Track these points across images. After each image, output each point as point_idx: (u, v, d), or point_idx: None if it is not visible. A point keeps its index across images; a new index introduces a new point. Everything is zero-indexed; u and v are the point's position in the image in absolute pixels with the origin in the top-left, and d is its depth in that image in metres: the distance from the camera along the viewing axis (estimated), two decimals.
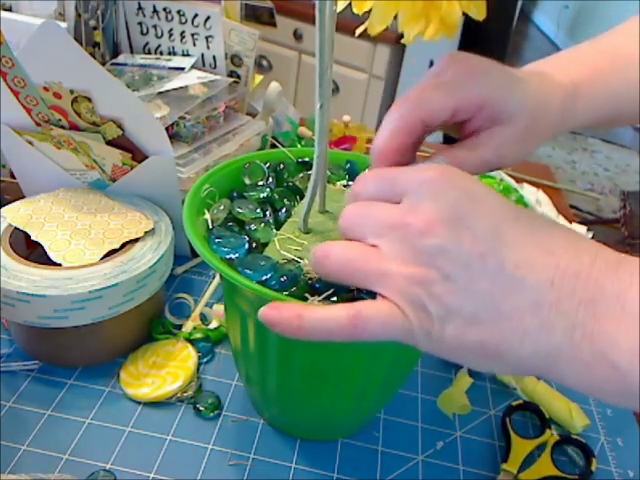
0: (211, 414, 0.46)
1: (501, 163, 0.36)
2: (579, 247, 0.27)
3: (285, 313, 0.29)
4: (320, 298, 0.32)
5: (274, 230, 0.38)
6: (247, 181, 0.44)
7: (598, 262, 0.26)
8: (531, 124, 0.36)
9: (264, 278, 0.33)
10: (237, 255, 0.36)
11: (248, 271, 0.33)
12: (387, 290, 0.28)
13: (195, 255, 0.62)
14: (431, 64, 2.13)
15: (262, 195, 0.42)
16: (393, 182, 0.30)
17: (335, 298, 0.32)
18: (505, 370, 0.29)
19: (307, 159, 0.46)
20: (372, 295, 0.31)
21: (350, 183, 0.45)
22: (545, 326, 0.26)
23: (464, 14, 0.32)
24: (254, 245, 0.37)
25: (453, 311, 0.27)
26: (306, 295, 0.33)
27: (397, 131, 0.33)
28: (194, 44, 0.69)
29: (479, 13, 0.31)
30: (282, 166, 0.45)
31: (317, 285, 0.33)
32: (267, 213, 0.40)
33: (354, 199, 0.31)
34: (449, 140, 0.41)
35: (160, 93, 0.62)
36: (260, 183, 0.43)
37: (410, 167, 0.30)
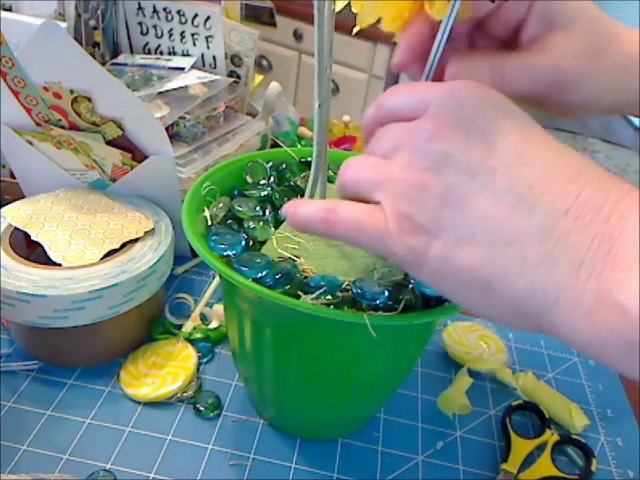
0: (211, 414, 0.46)
1: (559, 76, 0.32)
2: (609, 182, 0.23)
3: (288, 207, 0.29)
4: (313, 296, 0.32)
5: (272, 228, 0.39)
6: (249, 180, 0.44)
7: (628, 198, 0.22)
8: (594, 40, 0.32)
9: (259, 275, 0.33)
10: (234, 252, 0.36)
11: (244, 268, 0.33)
12: (382, 195, 0.26)
13: (195, 255, 0.62)
14: None
15: (263, 194, 0.42)
16: (420, 95, 0.27)
17: (329, 297, 0.32)
18: (491, 309, 0.25)
19: (310, 159, 0.46)
20: (379, 294, 0.31)
21: None
22: (548, 258, 0.22)
23: None
24: (251, 243, 0.37)
25: (446, 225, 0.24)
26: (299, 293, 0.33)
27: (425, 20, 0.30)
28: (194, 44, 0.69)
29: (438, 13, 0.30)
30: (284, 165, 0.45)
31: (311, 284, 0.33)
32: (266, 212, 0.40)
33: (377, 108, 0.29)
34: None
35: (160, 93, 0.62)
36: (262, 182, 0.44)
37: (442, 82, 0.28)
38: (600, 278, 0.21)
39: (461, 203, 0.24)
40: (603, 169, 0.24)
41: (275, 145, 0.76)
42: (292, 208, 0.29)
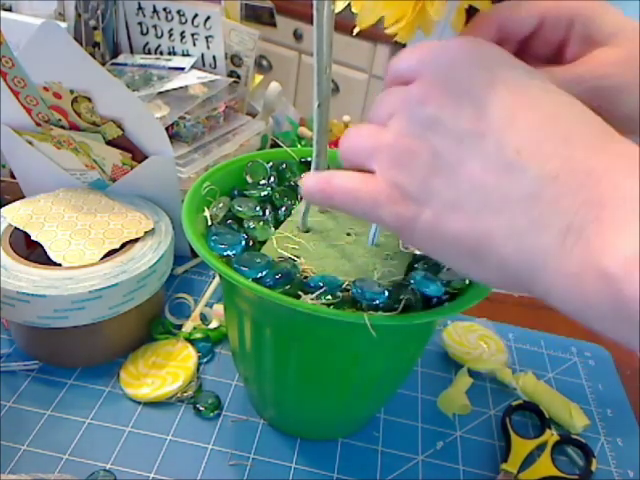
0: (211, 414, 0.46)
1: (600, 82, 0.31)
2: (608, 143, 0.22)
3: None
4: (313, 296, 0.32)
5: (272, 228, 0.39)
6: (249, 180, 0.44)
7: (624, 161, 0.21)
8: (636, 52, 0.31)
9: (259, 275, 0.33)
10: (234, 252, 0.36)
11: (244, 268, 0.33)
12: (375, 163, 0.26)
13: (195, 255, 0.62)
14: None
15: (263, 194, 0.42)
16: (418, 57, 0.27)
17: (329, 297, 0.32)
18: (484, 274, 0.25)
19: (310, 159, 0.46)
20: (379, 294, 0.31)
21: None
22: (536, 224, 0.22)
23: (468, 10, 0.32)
24: (251, 243, 0.37)
25: (434, 194, 0.24)
26: (299, 293, 0.33)
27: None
28: (194, 44, 0.69)
29: (436, 13, 0.30)
30: (284, 165, 0.45)
31: (311, 284, 0.33)
32: (266, 212, 0.40)
33: (386, 73, 0.29)
34: None
35: (160, 93, 0.62)
36: (262, 182, 0.44)
37: (440, 42, 0.27)
38: (587, 243, 0.21)
39: (449, 171, 0.24)
40: (603, 125, 0.23)
41: (275, 145, 0.76)
42: (303, 181, 0.29)
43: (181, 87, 0.63)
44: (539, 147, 0.22)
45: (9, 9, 0.59)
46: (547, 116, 0.23)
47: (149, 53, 0.72)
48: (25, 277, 0.44)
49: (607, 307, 0.21)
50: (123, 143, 0.53)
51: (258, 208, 0.40)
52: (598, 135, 0.23)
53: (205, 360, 0.51)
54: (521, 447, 0.46)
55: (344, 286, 0.34)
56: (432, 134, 0.24)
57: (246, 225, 0.38)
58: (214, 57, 0.69)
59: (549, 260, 0.22)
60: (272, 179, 0.44)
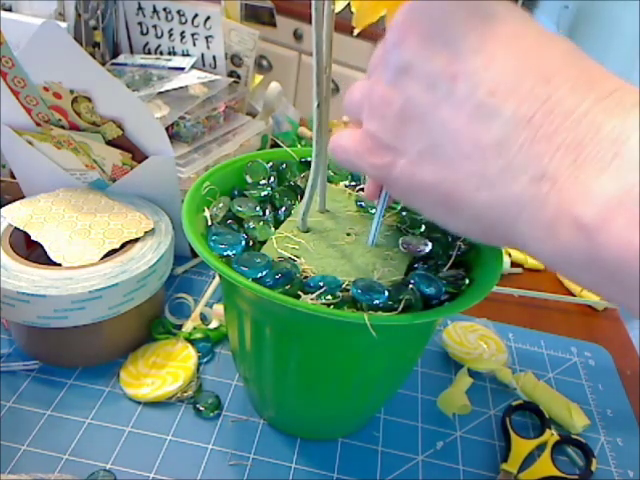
0: (211, 414, 0.46)
1: None
2: (590, 81, 0.20)
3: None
4: (313, 296, 0.32)
5: (272, 228, 0.39)
6: (249, 180, 0.44)
7: (608, 101, 0.19)
8: None
9: (259, 275, 0.33)
10: (234, 252, 0.36)
11: (244, 268, 0.33)
12: (363, 115, 0.26)
13: (195, 255, 0.62)
14: None
15: (263, 194, 0.42)
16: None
17: (330, 297, 0.32)
18: (460, 224, 0.24)
19: (310, 159, 0.46)
20: (379, 294, 0.31)
21: (352, 183, 0.45)
22: (508, 170, 0.21)
23: None
24: (252, 243, 0.37)
25: (407, 142, 0.23)
26: (299, 293, 0.33)
27: None
28: (194, 44, 0.69)
29: None
30: (284, 165, 0.45)
31: (311, 284, 0.33)
32: (267, 212, 0.40)
33: None
34: None
35: (160, 93, 0.62)
36: (262, 182, 0.44)
37: None
38: (561, 191, 0.19)
39: (421, 118, 0.23)
40: (593, 64, 0.21)
41: (275, 145, 0.76)
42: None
43: (181, 87, 0.63)
44: (515, 87, 0.21)
45: (9, 9, 0.59)
46: (528, 52, 0.21)
47: (149, 53, 0.72)
48: (25, 277, 0.44)
49: (583, 258, 0.19)
50: (123, 143, 0.53)
51: (258, 208, 0.40)
52: (584, 73, 0.21)
53: (205, 360, 0.51)
54: (521, 447, 0.46)
55: (344, 286, 0.34)
56: (405, 80, 0.23)
57: (246, 225, 0.38)
58: (214, 57, 0.69)
59: (522, 210, 0.21)
60: (272, 179, 0.44)
